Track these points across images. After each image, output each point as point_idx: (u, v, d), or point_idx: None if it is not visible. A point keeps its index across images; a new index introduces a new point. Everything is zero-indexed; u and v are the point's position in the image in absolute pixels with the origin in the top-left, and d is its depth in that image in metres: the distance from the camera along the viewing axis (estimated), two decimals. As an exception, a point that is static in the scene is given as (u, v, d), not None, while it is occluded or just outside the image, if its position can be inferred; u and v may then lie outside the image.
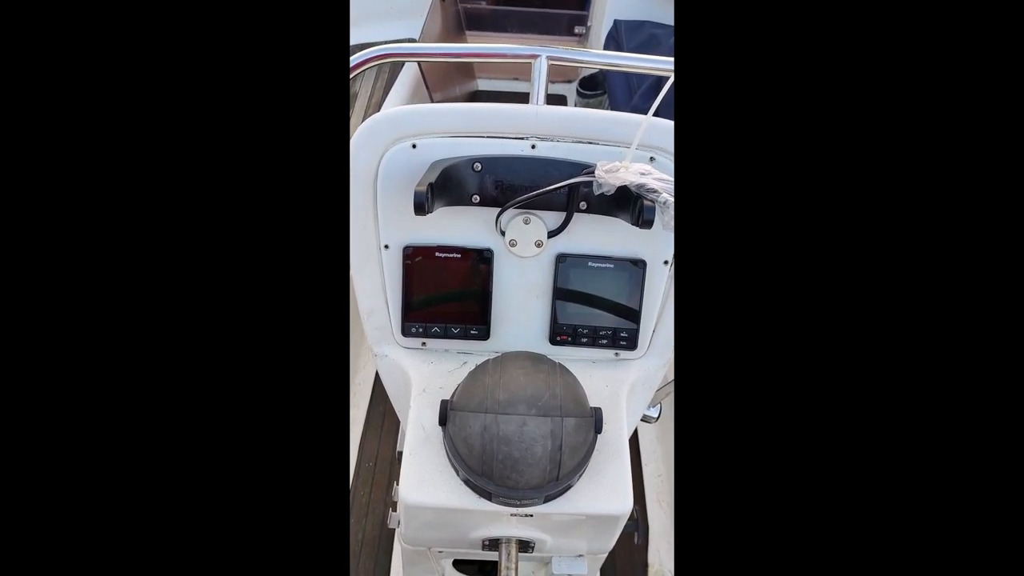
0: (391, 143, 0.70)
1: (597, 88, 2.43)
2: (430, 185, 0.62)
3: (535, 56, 0.82)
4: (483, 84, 2.67)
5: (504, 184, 0.69)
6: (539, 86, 0.79)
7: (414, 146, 0.70)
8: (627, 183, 0.61)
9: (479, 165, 0.68)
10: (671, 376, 0.89)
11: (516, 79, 2.61)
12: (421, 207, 0.61)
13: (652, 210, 0.61)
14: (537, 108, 0.70)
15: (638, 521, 0.78)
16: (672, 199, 0.59)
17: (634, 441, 1.67)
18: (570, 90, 2.63)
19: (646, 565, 1.45)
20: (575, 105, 2.47)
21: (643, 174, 0.61)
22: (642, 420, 0.91)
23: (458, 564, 0.97)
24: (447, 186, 0.68)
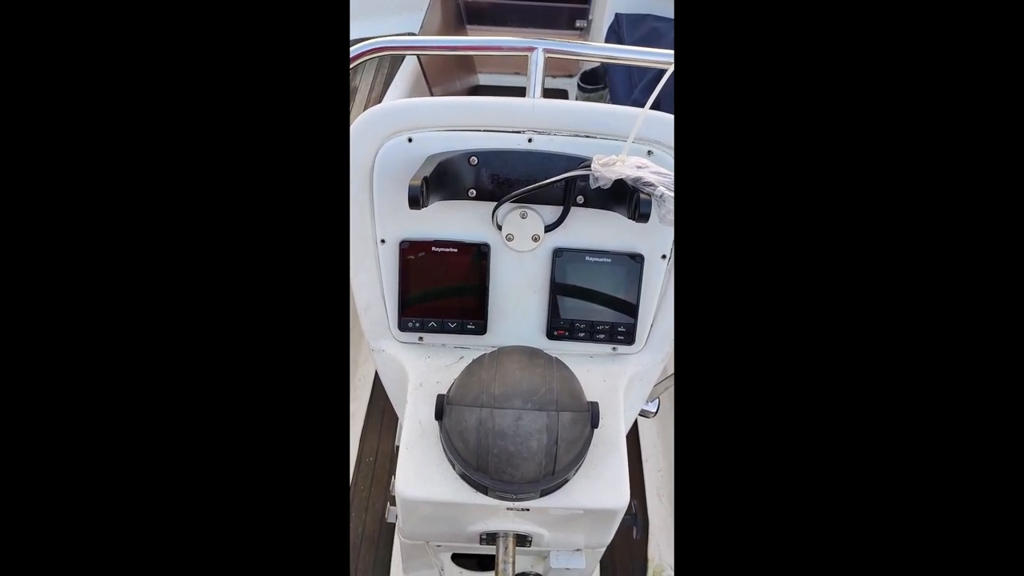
0: (387, 137, 0.69)
1: (598, 82, 2.42)
2: (424, 179, 0.62)
3: (532, 49, 0.82)
4: (484, 79, 2.66)
5: (500, 178, 0.69)
6: (536, 79, 0.79)
7: (410, 140, 0.69)
8: (623, 177, 0.61)
9: (475, 159, 0.68)
10: (670, 371, 0.89)
11: (517, 73, 2.60)
12: (416, 201, 0.61)
13: (648, 204, 0.61)
14: (534, 102, 0.70)
15: (637, 515, 0.78)
16: (669, 192, 0.59)
17: (634, 436, 1.67)
18: (571, 84, 2.62)
19: (646, 560, 1.45)
20: (576, 99, 2.47)
21: (640, 168, 0.61)
22: (640, 415, 0.91)
23: (457, 558, 0.97)
24: (443, 180, 0.67)
